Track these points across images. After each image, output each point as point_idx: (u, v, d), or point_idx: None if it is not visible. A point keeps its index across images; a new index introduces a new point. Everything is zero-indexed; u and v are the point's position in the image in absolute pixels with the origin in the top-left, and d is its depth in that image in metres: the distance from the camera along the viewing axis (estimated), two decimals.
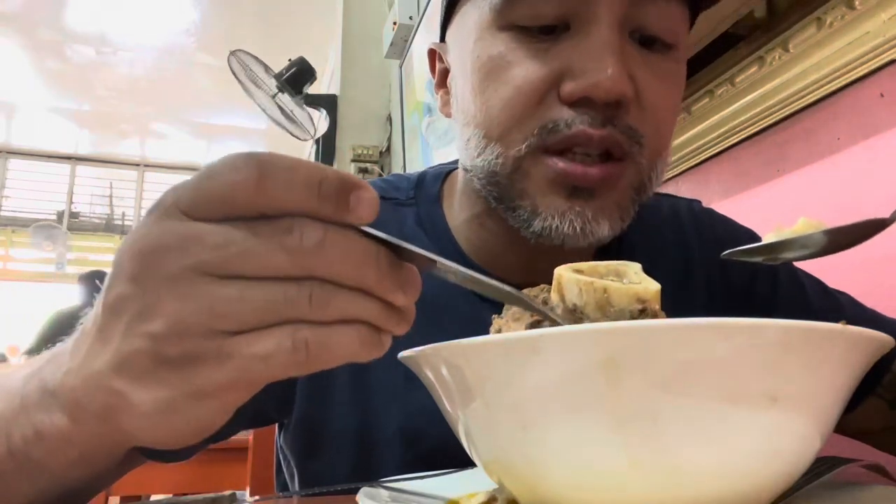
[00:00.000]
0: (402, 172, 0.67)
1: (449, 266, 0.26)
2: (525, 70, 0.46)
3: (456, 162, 0.59)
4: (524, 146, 0.46)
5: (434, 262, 0.26)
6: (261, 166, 0.24)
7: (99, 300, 0.27)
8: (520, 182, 0.48)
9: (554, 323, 0.30)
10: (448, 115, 0.57)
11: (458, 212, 0.57)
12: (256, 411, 0.53)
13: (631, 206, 0.49)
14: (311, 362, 0.25)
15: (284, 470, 0.59)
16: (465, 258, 0.55)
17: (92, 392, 0.27)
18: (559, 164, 0.46)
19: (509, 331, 0.33)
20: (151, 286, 0.24)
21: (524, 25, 0.47)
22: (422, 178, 0.61)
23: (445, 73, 0.57)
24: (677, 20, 0.48)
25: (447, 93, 0.57)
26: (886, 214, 0.32)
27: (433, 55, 0.59)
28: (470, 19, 0.51)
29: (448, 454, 0.42)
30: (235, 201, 0.24)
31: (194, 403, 0.25)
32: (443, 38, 0.58)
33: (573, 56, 0.45)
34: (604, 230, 0.47)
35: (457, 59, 0.54)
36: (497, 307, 0.37)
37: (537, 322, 0.32)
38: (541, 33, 0.46)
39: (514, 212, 0.48)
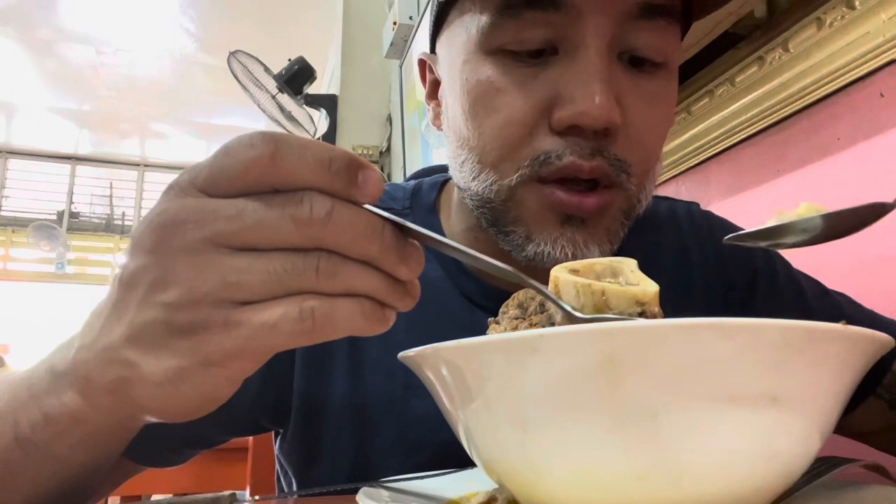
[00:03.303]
0: (398, 182, 0.67)
1: (452, 245, 0.28)
2: (515, 98, 0.46)
3: None
4: (516, 176, 0.46)
5: (438, 241, 0.27)
6: (275, 142, 0.25)
7: (115, 278, 0.28)
8: (514, 210, 0.48)
9: (560, 309, 0.30)
10: (439, 128, 0.57)
11: (454, 222, 0.57)
12: (251, 421, 0.53)
13: (620, 230, 0.49)
14: (316, 331, 0.26)
15: (282, 478, 0.59)
16: (463, 267, 0.55)
17: (104, 364, 0.28)
18: (556, 192, 0.46)
19: None
20: (167, 257, 0.26)
21: (512, 49, 0.46)
22: (418, 187, 0.61)
23: (436, 84, 0.57)
24: (667, 38, 0.47)
25: (438, 105, 0.57)
26: None
27: (423, 65, 0.59)
28: (458, 38, 0.50)
29: (448, 461, 0.42)
30: (250, 176, 0.25)
31: (203, 372, 0.26)
32: (433, 49, 0.57)
33: (561, 83, 0.45)
34: (594, 255, 0.47)
35: (446, 76, 0.53)
36: (490, 311, 0.37)
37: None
38: (529, 57, 0.46)
39: (506, 236, 0.48)
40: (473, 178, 0.49)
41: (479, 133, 0.48)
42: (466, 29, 0.48)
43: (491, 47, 0.47)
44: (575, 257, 0.46)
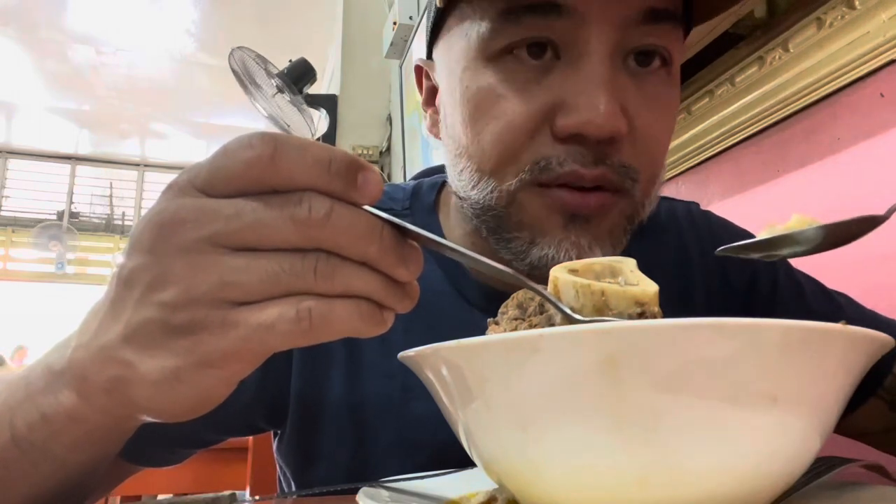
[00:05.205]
0: (398, 182, 0.67)
1: (451, 247, 0.28)
2: (516, 104, 0.45)
3: None
4: (516, 181, 0.45)
5: (437, 242, 0.27)
6: (275, 143, 0.25)
7: (113, 277, 0.28)
8: (516, 214, 0.47)
9: (560, 312, 0.30)
10: (436, 136, 0.56)
11: (454, 224, 0.57)
12: (248, 422, 0.52)
13: (622, 235, 0.48)
14: (313, 332, 0.26)
15: (281, 478, 0.59)
16: (462, 268, 0.55)
17: (101, 364, 0.28)
18: (558, 192, 0.45)
19: None
20: (165, 257, 0.26)
21: (513, 55, 0.45)
22: (417, 188, 0.61)
23: (433, 91, 0.56)
24: (671, 42, 0.47)
25: (436, 112, 0.56)
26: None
27: (420, 72, 0.58)
28: (457, 45, 0.49)
29: (446, 462, 0.42)
30: (249, 177, 0.25)
31: (199, 373, 0.26)
32: (430, 56, 0.56)
33: (564, 89, 0.44)
34: (597, 257, 0.46)
35: (445, 83, 0.52)
36: (488, 312, 0.37)
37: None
38: (530, 60, 0.45)
39: (509, 243, 0.47)
40: (473, 187, 0.48)
41: (478, 140, 0.47)
42: (466, 36, 0.47)
43: (491, 53, 0.46)
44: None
